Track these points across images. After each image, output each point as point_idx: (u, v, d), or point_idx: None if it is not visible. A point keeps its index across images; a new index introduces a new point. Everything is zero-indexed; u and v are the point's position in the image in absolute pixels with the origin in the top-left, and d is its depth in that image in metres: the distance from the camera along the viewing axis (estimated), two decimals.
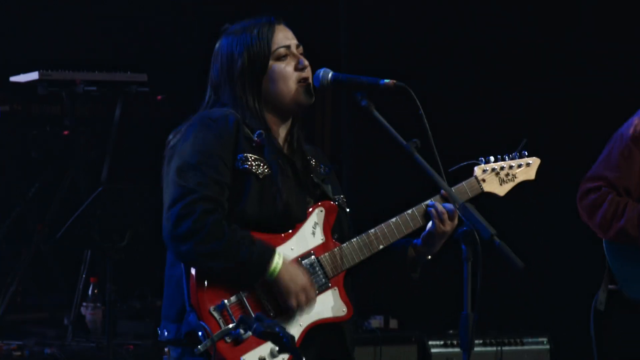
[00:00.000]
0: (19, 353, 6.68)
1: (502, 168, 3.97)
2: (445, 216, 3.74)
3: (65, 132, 7.37)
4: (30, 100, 7.30)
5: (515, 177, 4.00)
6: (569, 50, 7.64)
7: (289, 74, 3.73)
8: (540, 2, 7.73)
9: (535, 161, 4.04)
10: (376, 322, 6.98)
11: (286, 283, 3.55)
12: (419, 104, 3.56)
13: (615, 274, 4.66)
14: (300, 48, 3.79)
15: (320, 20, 7.98)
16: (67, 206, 7.26)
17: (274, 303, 3.59)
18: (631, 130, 4.64)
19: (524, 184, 4.04)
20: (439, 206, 3.74)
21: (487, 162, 3.96)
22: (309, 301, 3.59)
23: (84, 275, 7.32)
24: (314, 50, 3.96)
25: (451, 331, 6.78)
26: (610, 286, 4.68)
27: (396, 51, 7.85)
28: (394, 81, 3.64)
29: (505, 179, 3.97)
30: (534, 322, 7.12)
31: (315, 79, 3.75)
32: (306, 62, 3.76)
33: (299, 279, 3.58)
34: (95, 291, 7.37)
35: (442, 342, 6.72)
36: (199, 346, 3.42)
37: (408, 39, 7.89)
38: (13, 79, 7.25)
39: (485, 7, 7.77)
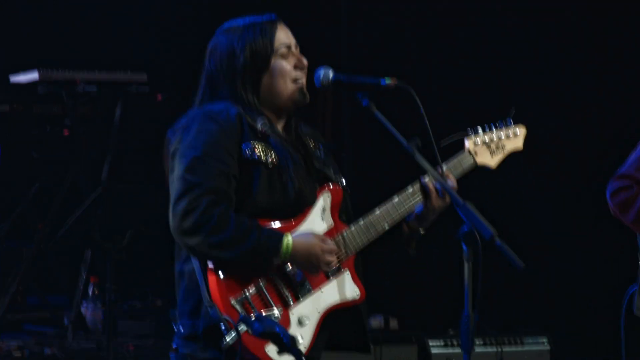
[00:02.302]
0: (19, 353, 6.68)
1: (491, 140, 4.00)
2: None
3: (66, 132, 7.37)
4: (31, 100, 7.30)
5: (505, 148, 4.03)
6: (564, 44, 7.66)
7: (288, 71, 3.74)
8: (535, 4, 7.75)
9: (521, 130, 4.07)
10: (376, 322, 6.98)
11: (305, 250, 3.56)
12: (420, 103, 3.57)
13: None
14: (298, 48, 3.80)
15: (320, 20, 7.98)
16: (68, 206, 7.26)
17: (292, 290, 3.61)
18: None
19: (514, 156, 4.05)
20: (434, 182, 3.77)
21: (476, 132, 3.98)
22: (331, 250, 3.60)
23: (84, 275, 7.33)
24: (314, 50, 3.96)
25: (451, 331, 6.78)
26: None
27: (396, 51, 7.85)
28: (395, 81, 3.64)
29: (495, 150, 4.00)
30: (534, 322, 7.12)
31: (316, 79, 3.75)
32: (305, 62, 3.78)
33: (311, 241, 3.58)
34: (96, 291, 7.38)
35: (442, 342, 6.71)
36: (227, 339, 3.38)
37: (408, 39, 7.89)
38: (13, 78, 7.26)
39: (482, 7, 7.78)
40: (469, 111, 7.62)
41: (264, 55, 3.71)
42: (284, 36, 3.76)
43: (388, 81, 3.64)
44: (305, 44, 3.84)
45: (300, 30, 3.88)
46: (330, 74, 3.73)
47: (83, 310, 7.31)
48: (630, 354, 4.85)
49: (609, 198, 4.76)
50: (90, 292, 7.36)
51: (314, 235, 3.61)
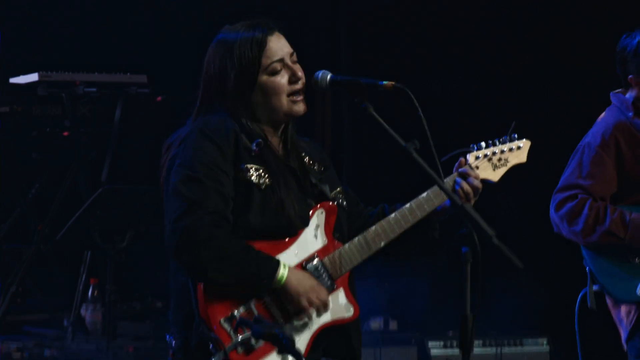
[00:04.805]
0: (18, 354, 6.68)
1: (494, 153, 3.96)
2: (471, 195, 3.80)
3: (66, 133, 7.37)
4: (31, 102, 7.30)
5: (508, 161, 3.99)
6: (561, 47, 7.67)
7: (282, 87, 3.69)
8: (532, 4, 7.76)
9: (525, 143, 4.04)
10: (376, 323, 6.98)
11: (295, 287, 3.55)
12: (417, 105, 3.56)
13: (597, 276, 4.69)
14: (294, 56, 3.74)
15: (320, 21, 7.98)
16: (68, 207, 7.26)
17: (283, 311, 3.59)
18: (600, 139, 4.72)
19: (517, 167, 4.04)
20: (465, 185, 3.80)
21: (479, 148, 3.95)
22: (321, 300, 3.59)
23: (84, 276, 7.33)
24: (313, 52, 3.94)
25: (451, 332, 6.79)
26: (594, 287, 4.72)
27: (395, 52, 7.86)
28: (393, 82, 3.63)
29: (497, 164, 3.97)
30: (533, 323, 7.12)
31: (314, 81, 3.72)
32: (300, 73, 3.73)
33: (306, 281, 3.58)
34: (95, 292, 7.37)
35: (441, 343, 6.72)
36: (212, 359, 3.39)
37: (407, 40, 7.90)
38: (13, 80, 7.26)
39: (481, 9, 7.79)
40: (469, 112, 7.63)
41: (250, 75, 3.66)
42: (276, 50, 3.70)
43: (385, 83, 3.63)
44: (305, 46, 3.83)
45: (301, 31, 3.86)
46: (328, 77, 3.71)
47: (82, 311, 7.31)
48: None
49: (553, 212, 4.74)
50: (89, 294, 7.36)
51: (312, 277, 3.60)
